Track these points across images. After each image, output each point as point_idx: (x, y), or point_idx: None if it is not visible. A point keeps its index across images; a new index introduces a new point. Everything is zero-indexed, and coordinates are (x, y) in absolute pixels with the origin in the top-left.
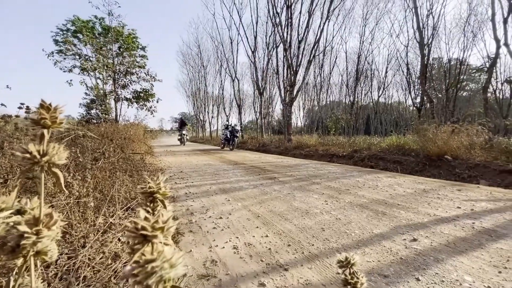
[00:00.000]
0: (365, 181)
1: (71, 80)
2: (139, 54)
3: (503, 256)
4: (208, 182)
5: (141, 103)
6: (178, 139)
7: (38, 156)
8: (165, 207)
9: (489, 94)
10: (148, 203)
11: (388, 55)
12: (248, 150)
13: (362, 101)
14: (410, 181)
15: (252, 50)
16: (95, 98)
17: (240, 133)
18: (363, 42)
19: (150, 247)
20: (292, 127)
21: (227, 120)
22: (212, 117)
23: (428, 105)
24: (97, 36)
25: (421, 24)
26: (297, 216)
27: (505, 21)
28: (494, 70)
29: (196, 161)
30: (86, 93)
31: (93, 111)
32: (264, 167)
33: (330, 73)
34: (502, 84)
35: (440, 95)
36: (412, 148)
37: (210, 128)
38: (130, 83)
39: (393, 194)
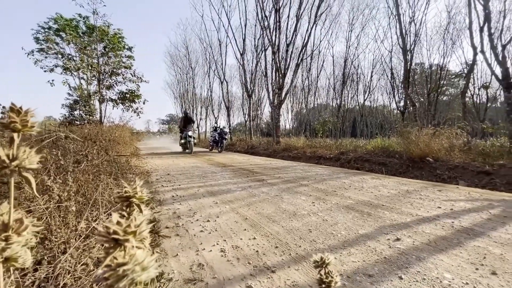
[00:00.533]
0: (351, 183)
1: (52, 80)
2: (126, 55)
3: (480, 254)
4: (195, 184)
5: (127, 104)
6: (181, 144)
7: (7, 161)
8: (141, 211)
9: (467, 99)
10: (124, 208)
11: (373, 59)
12: (237, 152)
13: (348, 104)
14: (394, 182)
15: (241, 52)
16: (78, 98)
17: (229, 135)
18: (349, 46)
19: (123, 251)
20: (280, 129)
21: (216, 122)
22: (201, 119)
23: (411, 108)
24: (81, 35)
25: (403, 30)
26: (285, 218)
27: (481, 30)
28: (472, 76)
29: (183, 164)
30: (69, 94)
31: (76, 112)
32: (253, 169)
33: (318, 77)
34: (479, 89)
35: (422, 99)
36: (396, 150)
37: (199, 130)
38: (116, 83)
39: (378, 195)
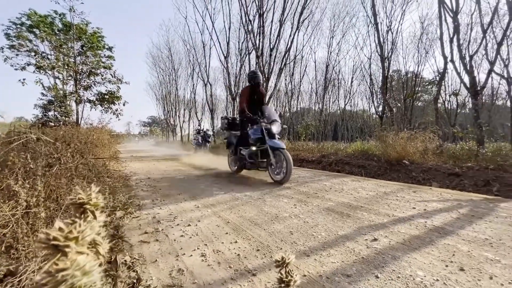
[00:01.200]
0: (332, 185)
1: (24, 79)
2: (105, 55)
3: (450, 251)
4: (177, 188)
5: (105, 106)
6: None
7: None
8: (95, 218)
9: (439, 105)
10: (78, 214)
11: (354, 65)
12: (221, 155)
13: (330, 108)
14: (373, 184)
15: (225, 55)
16: (53, 99)
17: (213, 138)
18: (330, 52)
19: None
20: None
21: (199, 125)
22: (184, 121)
23: (389, 113)
24: (57, 32)
25: (381, 39)
26: (267, 221)
27: (451, 41)
28: (443, 84)
29: (165, 167)
30: (42, 94)
31: (50, 113)
32: None
33: (301, 81)
34: (450, 96)
35: (399, 105)
36: (375, 153)
37: (182, 132)
38: (94, 84)
39: (357, 197)
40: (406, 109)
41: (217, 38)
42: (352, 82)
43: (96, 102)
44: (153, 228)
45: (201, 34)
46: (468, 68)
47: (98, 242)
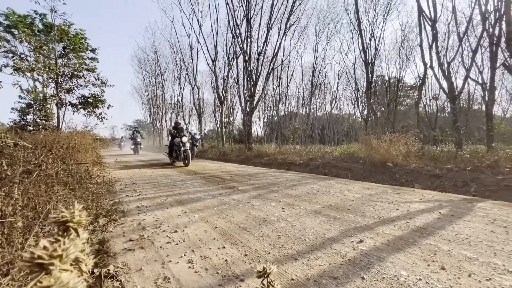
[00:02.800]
0: (319, 188)
1: (0, 82)
2: (89, 57)
3: (431, 251)
4: (163, 194)
5: (89, 109)
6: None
7: None
8: (78, 235)
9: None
10: (61, 232)
11: (339, 71)
12: (209, 159)
13: (317, 112)
14: (359, 186)
15: (213, 59)
16: (32, 102)
17: (200, 142)
18: (316, 57)
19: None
20: (252, 136)
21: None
22: (171, 125)
23: (373, 117)
24: (37, 33)
25: (365, 45)
26: (255, 225)
27: (430, 48)
28: (424, 89)
29: (151, 172)
30: (20, 97)
31: (29, 117)
32: (224, 177)
33: (288, 85)
34: (430, 100)
35: (383, 109)
36: (360, 156)
37: (168, 137)
38: (77, 87)
39: (343, 199)
40: (389, 113)
41: (205, 42)
42: (338, 86)
43: (79, 105)
44: (138, 235)
45: (188, 38)
46: (446, 74)
47: (81, 259)
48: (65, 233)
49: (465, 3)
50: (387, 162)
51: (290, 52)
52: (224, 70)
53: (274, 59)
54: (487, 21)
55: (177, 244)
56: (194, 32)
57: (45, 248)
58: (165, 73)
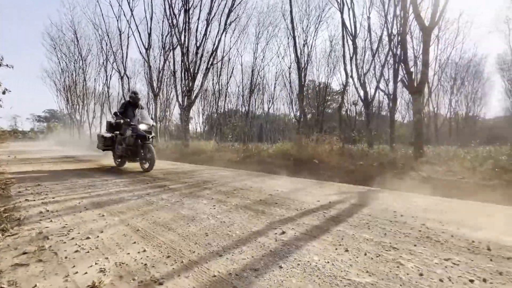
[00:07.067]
0: (252, 184)
1: None
2: None
3: (340, 236)
4: (77, 196)
5: None
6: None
7: None
8: None
9: (343, 112)
10: None
11: (276, 73)
12: None
13: (256, 111)
14: (288, 182)
15: (146, 47)
16: None
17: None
18: (256, 58)
19: None
20: (190, 132)
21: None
22: (94, 117)
23: (305, 118)
24: None
25: (299, 50)
26: (183, 225)
27: (351, 59)
28: (346, 94)
29: (63, 171)
30: None
31: None
32: (155, 175)
33: (228, 83)
34: (351, 105)
35: (314, 111)
36: (292, 154)
37: (91, 130)
38: None
39: (273, 194)
40: (318, 114)
41: (137, 28)
42: (275, 87)
43: None
44: (36, 246)
45: (117, 20)
46: (362, 84)
47: None
48: None
49: (378, 24)
50: (314, 159)
51: (230, 49)
52: (160, 61)
53: (214, 54)
54: (392, 42)
55: (88, 252)
56: (125, 15)
57: None
58: (88, 58)
